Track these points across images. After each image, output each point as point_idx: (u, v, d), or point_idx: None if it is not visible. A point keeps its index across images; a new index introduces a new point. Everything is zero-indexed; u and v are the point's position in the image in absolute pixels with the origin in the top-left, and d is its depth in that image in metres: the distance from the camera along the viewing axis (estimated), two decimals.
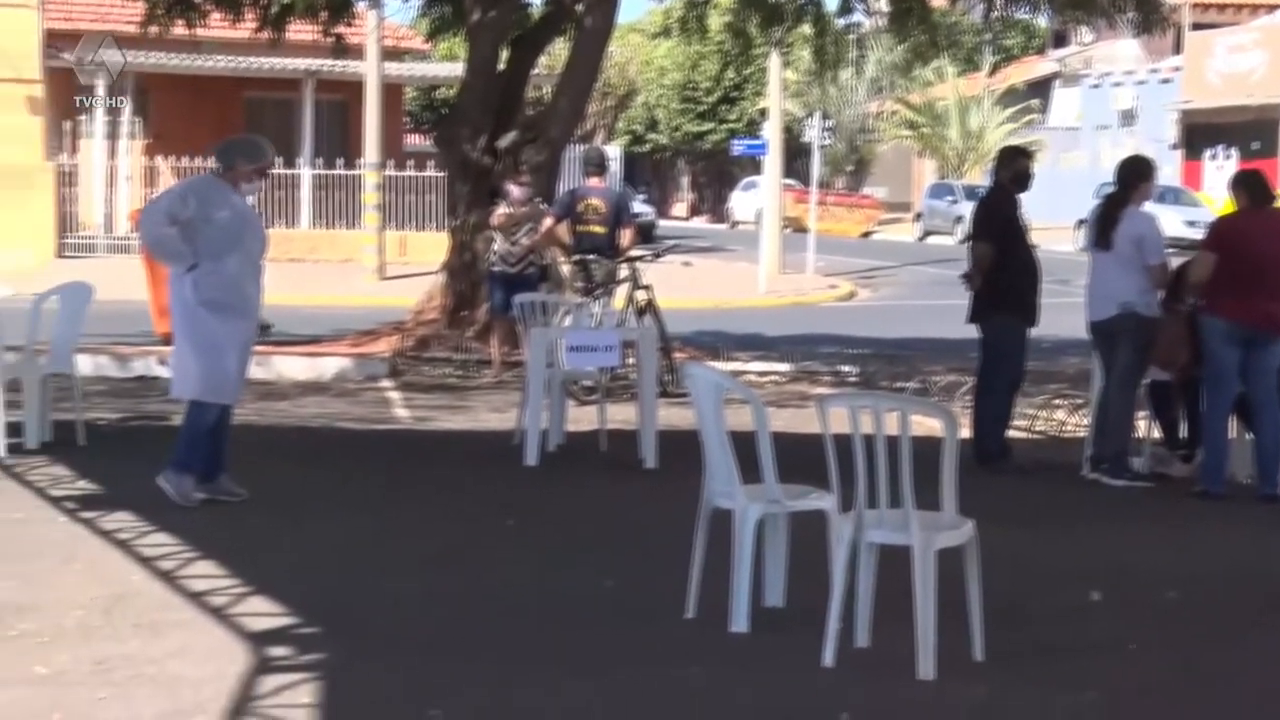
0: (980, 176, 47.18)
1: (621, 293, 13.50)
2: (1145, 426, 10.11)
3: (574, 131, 19.17)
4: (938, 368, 14.64)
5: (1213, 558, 7.76)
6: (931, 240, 43.69)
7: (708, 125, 56.16)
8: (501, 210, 14.39)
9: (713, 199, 60.10)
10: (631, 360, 11.40)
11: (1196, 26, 44.12)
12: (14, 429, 9.71)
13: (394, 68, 31.53)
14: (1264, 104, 40.19)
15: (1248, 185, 9.43)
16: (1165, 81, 45.61)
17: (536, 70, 20.50)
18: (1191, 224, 32.44)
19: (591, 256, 13.25)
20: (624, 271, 13.44)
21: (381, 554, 7.35)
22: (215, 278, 8.11)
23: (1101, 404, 9.70)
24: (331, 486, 9.04)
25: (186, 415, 8.32)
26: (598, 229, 13.33)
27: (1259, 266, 9.04)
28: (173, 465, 8.19)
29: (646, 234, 33.04)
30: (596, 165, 13.97)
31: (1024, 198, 10.23)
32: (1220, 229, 9.55)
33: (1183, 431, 9.93)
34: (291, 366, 14.61)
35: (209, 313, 8.11)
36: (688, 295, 22.98)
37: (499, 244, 14.29)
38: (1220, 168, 41.61)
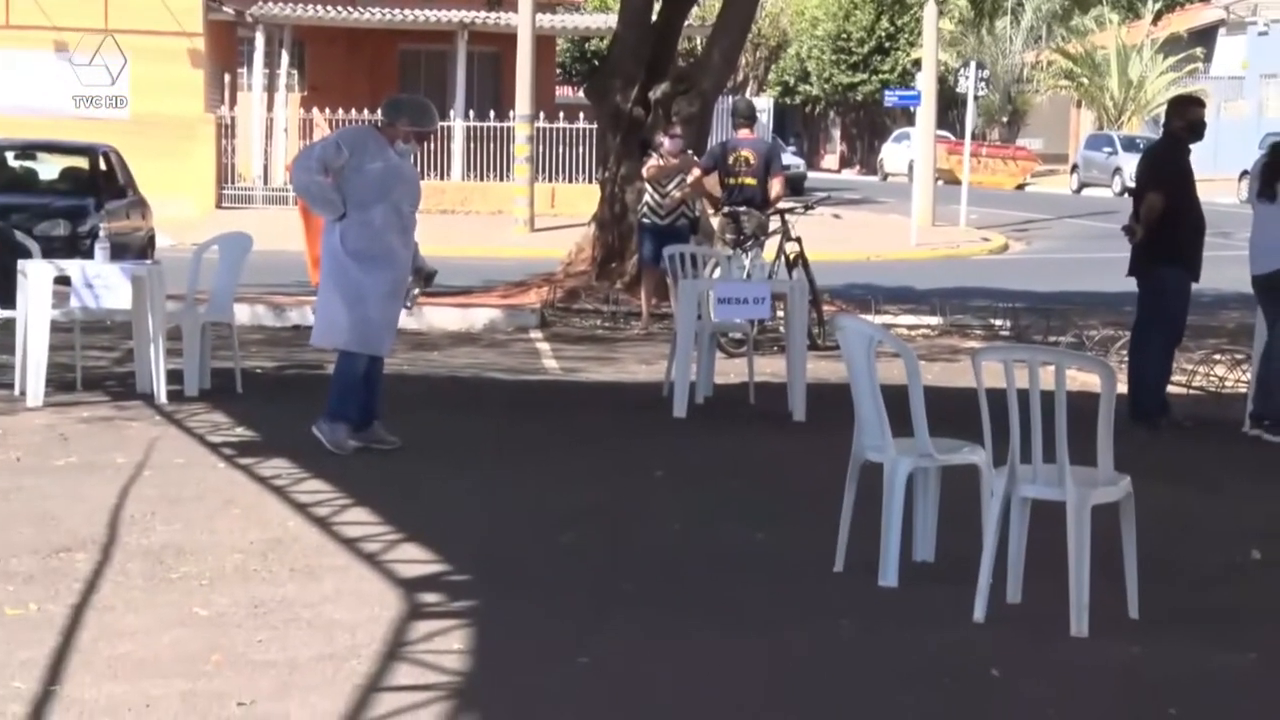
0: (1140, 127, 46.24)
1: (772, 245, 13.43)
2: None
3: (726, 83, 19.08)
4: (1093, 322, 14.38)
5: None
6: (1088, 192, 42.90)
7: (860, 76, 55.60)
8: (653, 162, 14.39)
9: (864, 151, 59.58)
10: (781, 313, 11.36)
11: None
12: (174, 376, 9.92)
13: (546, 19, 31.61)
14: None
15: None
16: None
17: (689, 21, 20.47)
18: None
19: (742, 208, 13.20)
20: (774, 223, 13.37)
21: (530, 503, 7.41)
22: (362, 228, 8.20)
23: (1264, 359, 9.47)
24: (482, 436, 9.13)
25: (337, 365, 8.45)
26: (748, 181, 13.27)
27: None
28: (326, 414, 8.32)
29: (797, 186, 32.84)
30: (745, 117, 13.90)
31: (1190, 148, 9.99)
32: None
33: None
34: (442, 317, 14.76)
35: (354, 263, 8.21)
36: (838, 248, 22.81)
37: (650, 196, 14.30)
38: None
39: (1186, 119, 9.93)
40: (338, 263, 8.25)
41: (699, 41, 26.47)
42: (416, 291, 8.78)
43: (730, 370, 11.42)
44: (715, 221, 14.32)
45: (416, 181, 8.62)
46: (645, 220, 14.34)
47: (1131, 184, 10.56)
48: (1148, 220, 9.65)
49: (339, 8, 31.40)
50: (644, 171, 14.55)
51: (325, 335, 8.43)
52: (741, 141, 13.52)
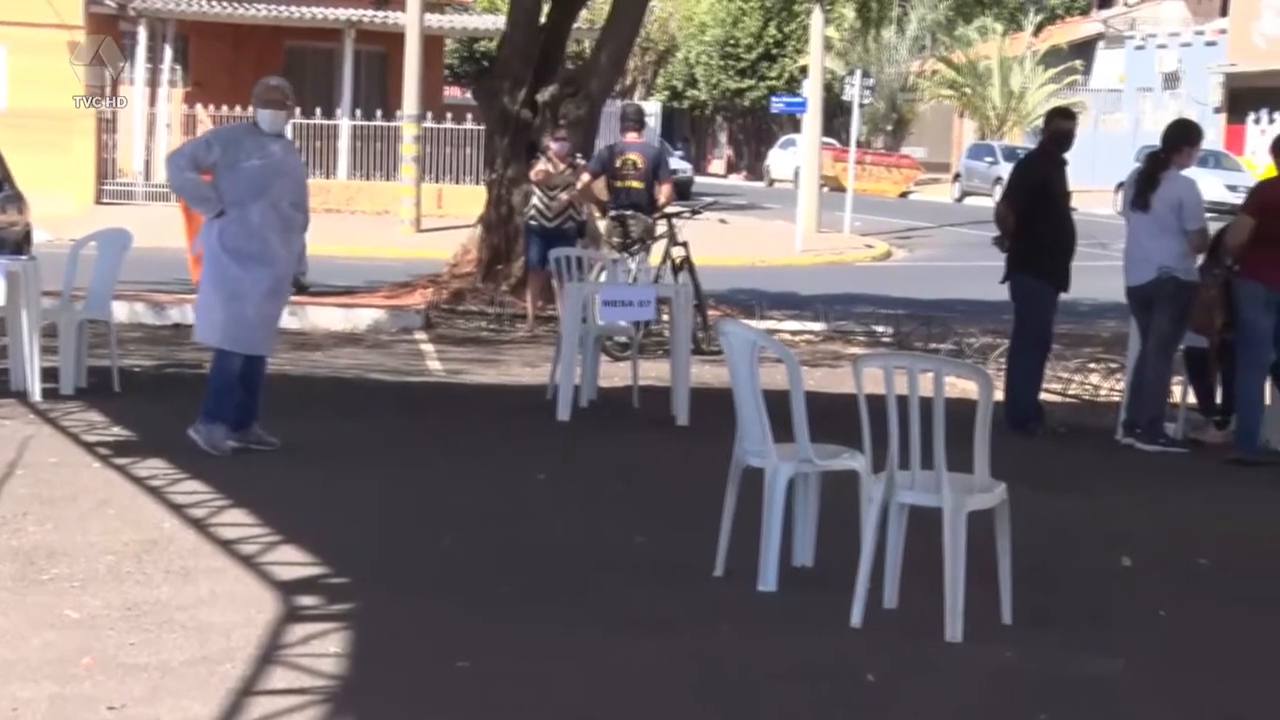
0: (1020, 137, 46.89)
1: (658, 249, 13.47)
2: (1180, 392, 10.05)
3: (614, 86, 19.12)
4: (973, 329, 14.59)
5: (1245, 524, 7.72)
6: (970, 201, 43.43)
7: (748, 82, 55.89)
8: (541, 166, 14.37)
9: (750, 156, 59.88)
10: (666, 317, 11.39)
11: None
12: (49, 374, 9.75)
13: (435, 19, 31.45)
14: None
15: None
16: (1210, 44, 45.17)
17: (577, 24, 20.46)
18: (1233, 189, 32.17)
19: (629, 212, 13.22)
20: (661, 227, 13.41)
21: (412, 506, 7.37)
22: (240, 226, 8.12)
23: (1138, 368, 9.64)
24: (364, 437, 9.07)
25: (212, 364, 8.36)
26: (636, 184, 13.29)
27: None
28: (202, 415, 8.22)
29: (684, 190, 32.94)
30: (634, 121, 13.91)
31: (1065, 160, 10.14)
32: (1259, 194, 9.46)
33: (1218, 397, 9.86)
34: (326, 317, 14.65)
35: (231, 260, 8.13)
36: (724, 252, 22.92)
37: (537, 198, 14.27)
38: (1264, 132, 41.16)
39: (1050, 131, 10.15)
40: (216, 260, 8.17)
41: (587, 45, 26.48)
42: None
43: (615, 374, 11.43)
44: (602, 225, 14.33)
45: (299, 177, 8.50)
46: (533, 223, 14.32)
47: None
48: (1000, 229, 9.89)
49: (224, 3, 31.04)
50: (531, 175, 14.53)
51: (204, 332, 8.35)
52: (629, 145, 13.54)
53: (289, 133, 8.93)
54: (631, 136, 13.67)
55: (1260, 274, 9.01)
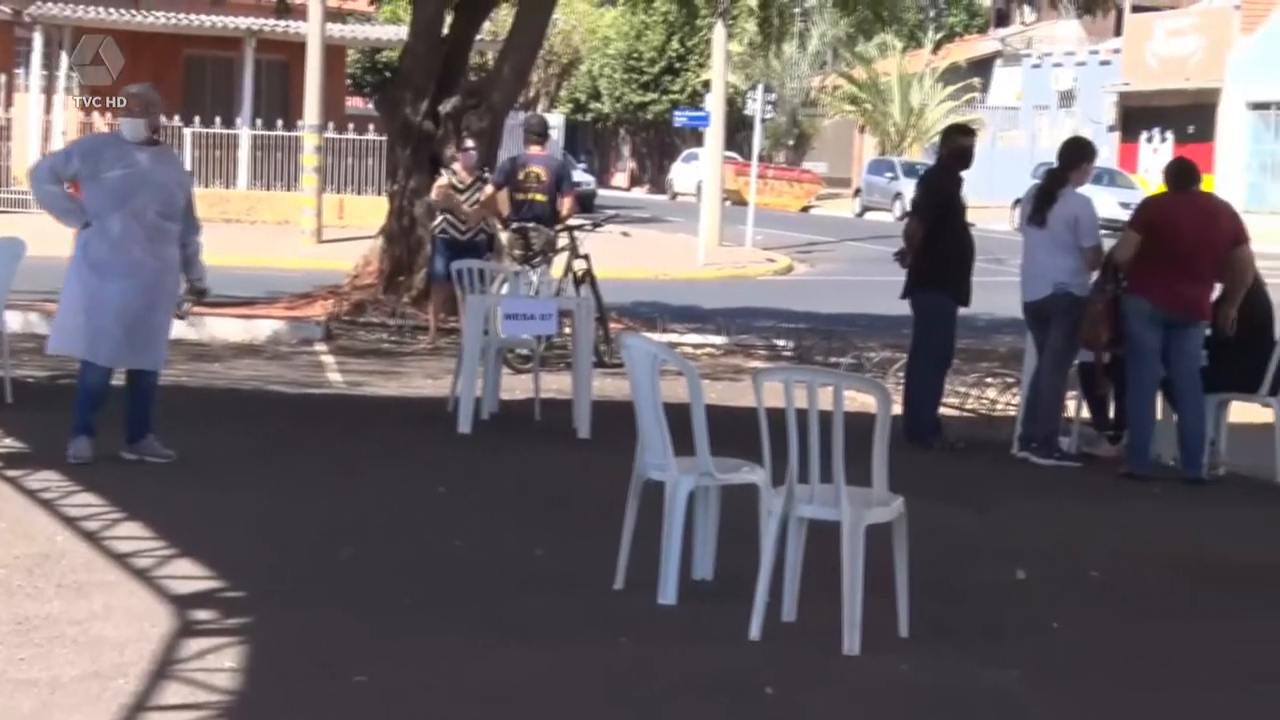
0: (920, 153, 47.39)
1: (560, 261, 13.46)
2: (1075, 407, 10.18)
3: (517, 98, 19.09)
4: (873, 344, 14.70)
5: (1136, 539, 7.83)
6: (870, 216, 43.82)
7: (651, 96, 56.05)
8: (442, 182, 14.29)
9: (653, 170, 60.03)
10: (568, 330, 11.39)
11: (1136, 9, 44.47)
12: None
13: (337, 29, 31.28)
14: (1200, 88, 40.57)
15: (1174, 171, 9.51)
16: (1105, 63, 45.94)
17: (481, 36, 20.44)
18: (1126, 206, 32.54)
19: (530, 225, 13.19)
20: (563, 240, 13.40)
21: (310, 519, 7.31)
22: (101, 237, 8.02)
23: (1033, 383, 9.76)
24: (262, 450, 8.98)
25: (78, 375, 8.24)
26: (539, 197, 13.26)
27: (1182, 250, 9.08)
28: (71, 428, 8.10)
29: (587, 204, 32.96)
30: (538, 133, 13.89)
31: (963, 176, 10.27)
32: (1146, 209, 9.62)
33: (1112, 412, 10.00)
34: (224, 328, 14.50)
35: (92, 272, 8.03)
36: (626, 266, 22.95)
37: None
38: (1156, 150, 42.00)
39: (950, 147, 10.27)
40: (79, 271, 8.10)
41: (491, 56, 26.44)
42: (188, 306, 8.57)
43: (516, 386, 11.42)
44: (503, 237, 14.30)
45: (171, 185, 8.19)
46: (443, 235, 14.19)
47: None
48: (909, 246, 9.98)
49: (121, 10, 30.67)
50: (432, 193, 14.45)
51: (60, 341, 8.24)
52: (533, 158, 13.52)
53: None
54: (534, 149, 13.65)
55: (1145, 289, 9.14)
